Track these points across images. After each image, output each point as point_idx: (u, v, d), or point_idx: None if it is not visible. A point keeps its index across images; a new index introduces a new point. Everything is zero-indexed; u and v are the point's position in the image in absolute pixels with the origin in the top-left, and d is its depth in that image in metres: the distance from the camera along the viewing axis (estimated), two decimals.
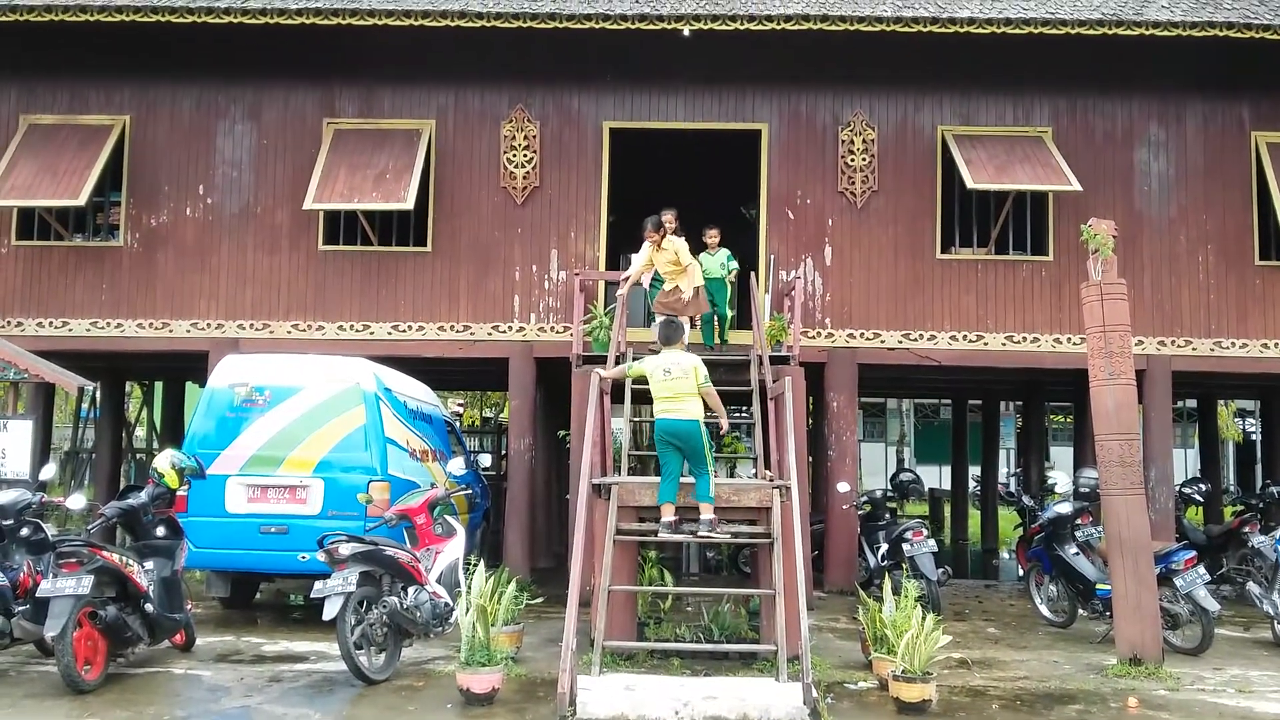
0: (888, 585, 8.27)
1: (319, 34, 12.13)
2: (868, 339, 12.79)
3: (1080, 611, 10.16)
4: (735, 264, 11.68)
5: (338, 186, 12.36)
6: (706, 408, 8.20)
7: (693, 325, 11.05)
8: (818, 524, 12.35)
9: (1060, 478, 11.98)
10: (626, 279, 11.27)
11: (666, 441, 8.00)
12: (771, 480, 8.51)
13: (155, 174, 13.04)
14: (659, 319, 10.32)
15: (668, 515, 7.95)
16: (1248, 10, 12.04)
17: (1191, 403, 22.80)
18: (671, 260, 10.75)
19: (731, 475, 15.92)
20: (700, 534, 7.97)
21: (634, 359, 9.61)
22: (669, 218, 10.89)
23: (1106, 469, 8.52)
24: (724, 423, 8.37)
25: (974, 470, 21.28)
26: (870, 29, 11.81)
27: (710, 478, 7.97)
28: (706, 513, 7.92)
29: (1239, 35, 11.75)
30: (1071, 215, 12.45)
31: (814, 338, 12.63)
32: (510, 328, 12.82)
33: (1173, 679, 8.03)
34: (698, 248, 11.39)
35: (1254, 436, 27.03)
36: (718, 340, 11.61)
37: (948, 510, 21.44)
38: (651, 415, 8.41)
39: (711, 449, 8.11)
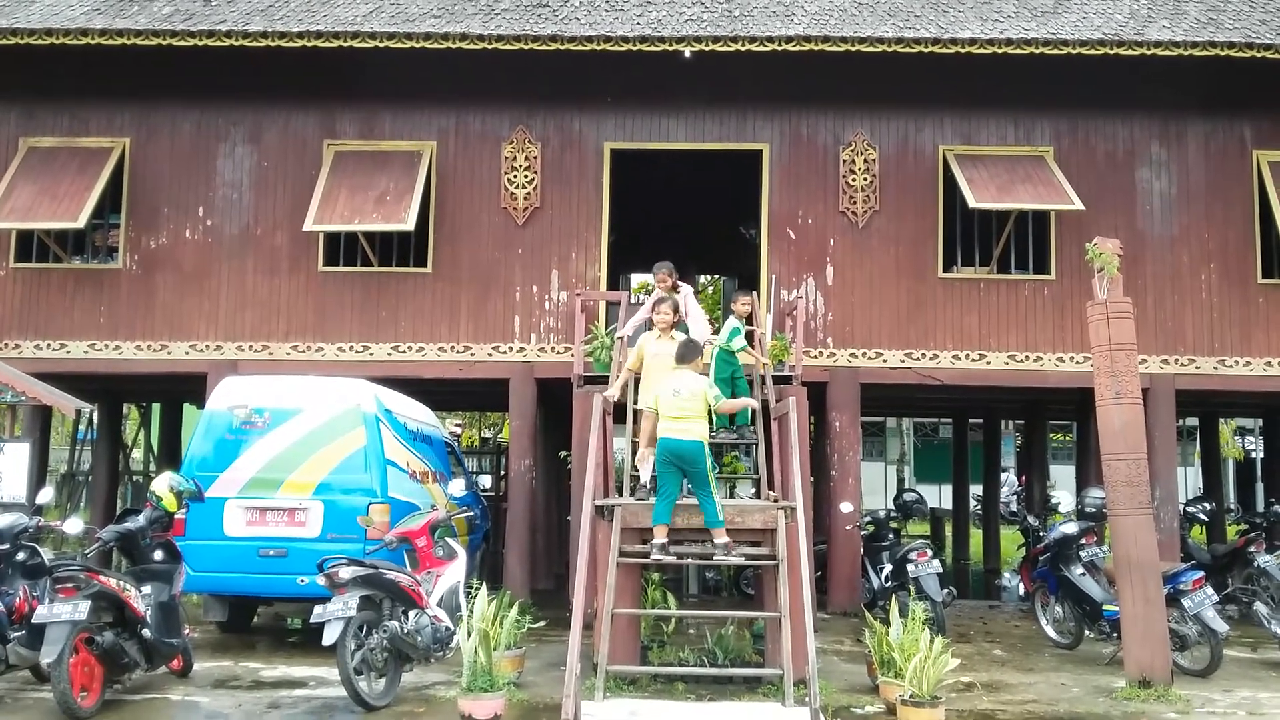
0: (894, 607, 8.18)
1: (320, 56, 12.13)
2: (870, 358, 12.73)
3: (1086, 633, 10.07)
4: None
5: (338, 208, 12.33)
6: (712, 425, 8.09)
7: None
8: (820, 544, 12.27)
9: (1064, 497, 11.92)
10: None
11: (669, 462, 7.89)
12: (776, 501, 8.43)
13: (155, 196, 13.00)
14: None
15: (660, 537, 7.84)
16: (1249, 30, 12.06)
17: (1192, 421, 22.76)
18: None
19: (731, 495, 15.82)
20: (717, 558, 7.86)
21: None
22: (662, 276, 9.88)
23: (1114, 489, 8.46)
24: (754, 402, 9.03)
25: (975, 489, 21.18)
26: (871, 50, 11.82)
27: (716, 501, 7.85)
28: (720, 537, 7.78)
29: (1240, 55, 11.76)
30: (1074, 235, 12.45)
31: (816, 357, 12.58)
32: (511, 348, 12.77)
33: (1183, 701, 7.94)
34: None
35: (1254, 454, 26.99)
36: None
37: (949, 530, 21.33)
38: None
39: (715, 470, 8.00)
